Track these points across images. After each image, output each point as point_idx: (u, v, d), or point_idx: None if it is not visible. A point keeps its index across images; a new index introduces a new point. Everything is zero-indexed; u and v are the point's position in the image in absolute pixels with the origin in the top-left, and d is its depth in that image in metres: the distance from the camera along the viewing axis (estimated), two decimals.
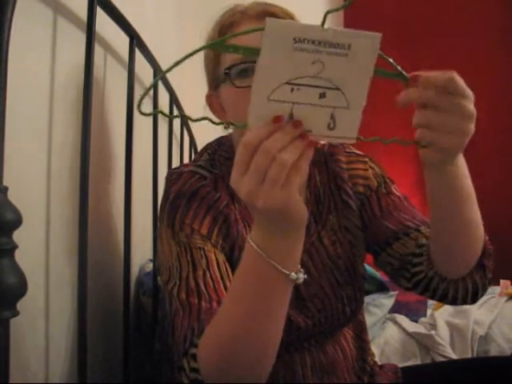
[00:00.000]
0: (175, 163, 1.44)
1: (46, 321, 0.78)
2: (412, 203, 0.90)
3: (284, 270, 0.59)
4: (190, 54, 0.52)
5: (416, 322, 1.89)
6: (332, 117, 0.53)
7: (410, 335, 1.79)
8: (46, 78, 0.78)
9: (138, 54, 1.06)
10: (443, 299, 0.82)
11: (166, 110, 1.34)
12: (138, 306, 1.14)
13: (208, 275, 0.73)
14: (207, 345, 0.66)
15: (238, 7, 0.79)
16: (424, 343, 1.75)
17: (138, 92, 1.08)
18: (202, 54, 0.81)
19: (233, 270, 0.76)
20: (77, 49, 0.84)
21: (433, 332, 1.77)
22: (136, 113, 0.62)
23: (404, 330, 1.82)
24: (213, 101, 0.84)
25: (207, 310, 0.70)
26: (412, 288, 0.85)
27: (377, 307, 1.86)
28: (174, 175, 0.82)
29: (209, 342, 0.66)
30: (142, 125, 1.12)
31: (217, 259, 0.75)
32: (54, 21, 0.79)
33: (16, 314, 0.56)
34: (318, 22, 0.51)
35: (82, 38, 0.84)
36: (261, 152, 0.51)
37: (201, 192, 0.78)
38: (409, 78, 0.57)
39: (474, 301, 0.81)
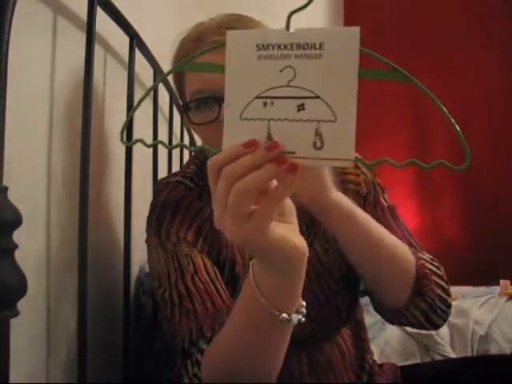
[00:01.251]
0: (175, 163, 1.44)
1: (46, 321, 0.78)
2: (397, 215, 0.88)
3: (274, 311, 0.55)
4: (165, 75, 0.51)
5: None
6: (317, 133, 0.45)
7: (410, 335, 1.79)
8: (46, 78, 0.78)
9: (138, 53, 1.06)
10: (403, 325, 0.83)
11: (166, 110, 1.35)
12: (137, 306, 1.14)
13: (197, 279, 0.74)
14: (210, 363, 0.67)
15: (193, 34, 0.77)
16: (424, 343, 1.75)
17: (138, 92, 1.08)
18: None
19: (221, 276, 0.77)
20: (77, 49, 0.84)
21: (433, 332, 1.77)
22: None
23: (404, 329, 1.82)
24: None
25: (204, 312, 0.71)
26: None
27: None
28: (161, 185, 0.84)
29: (211, 360, 0.67)
30: (142, 125, 1.12)
31: (204, 263, 0.76)
32: (53, 21, 0.79)
33: (16, 313, 0.56)
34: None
35: (82, 38, 0.84)
36: (221, 177, 0.46)
37: (185, 201, 0.79)
38: (409, 76, 0.45)
39: (433, 326, 0.80)
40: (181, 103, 0.83)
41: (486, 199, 3.07)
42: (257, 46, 0.46)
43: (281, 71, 0.45)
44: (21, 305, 0.57)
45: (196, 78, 0.74)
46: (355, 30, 0.44)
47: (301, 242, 0.53)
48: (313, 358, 0.85)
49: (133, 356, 1.03)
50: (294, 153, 0.45)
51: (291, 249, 0.51)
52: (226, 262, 0.78)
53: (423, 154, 3.14)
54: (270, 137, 0.46)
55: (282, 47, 0.45)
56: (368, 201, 0.87)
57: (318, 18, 2.88)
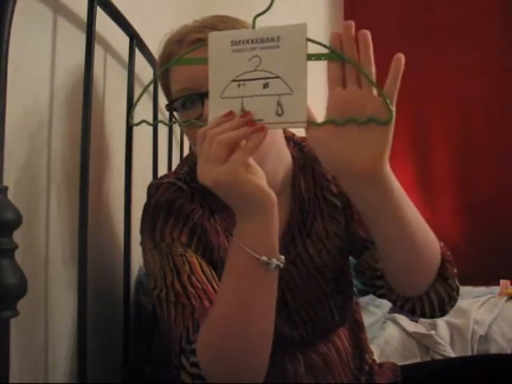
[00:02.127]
0: (175, 163, 1.44)
1: (46, 321, 0.78)
2: None
3: (253, 253, 0.62)
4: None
5: (416, 321, 1.89)
6: (279, 104, 0.58)
7: (410, 335, 1.79)
8: (46, 78, 0.78)
9: (138, 53, 1.06)
10: (413, 314, 0.79)
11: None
12: (137, 306, 1.14)
13: (194, 278, 0.74)
14: (201, 335, 0.67)
15: (175, 36, 0.78)
16: (424, 343, 1.75)
17: (137, 92, 1.08)
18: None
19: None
20: (77, 49, 0.84)
21: (433, 332, 1.77)
22: (135, 112, 0.63)
23: (404, 329, 1.82)
24: None
25: (201, 309, 0.70)
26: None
27: (377, 307, 1.86)
28: (153, 186, 0.84)
29: (202, 331, 0.67)
30: (142, 125, 1.12)
31: (200, 263, 0.76)
32: (53, 21, 0.79)
33: (16, 314, 0.56)
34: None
35: (82, 37, 0.84)
36: (207, 137, 0.59)
37: (177, 203, 0.79)
38: (343, 56, 0.57)
39: (442, 313, 0.79)
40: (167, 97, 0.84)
41: (486, 199, 3.06)
42: (231, 42, 0.59)
43: (249, 60, 0.58)
44: (21, 305, 0.57)
45: (180, 77, 0.76)
46: (303, 25, 0.57)
47: (270, 191, 0.61)
48: (309, 359, 0.85)
49: (133, 356, 1.03)
50: (262, 120, 0.58)
51: (260, 192, 0.60)
52: (219, 263, 0.78)
53: (422, 154, 3.14)
54: (243, 109, 0.59)
55: (250, 41, 0.58)
56: None
57: (318, 18, 2.89)
